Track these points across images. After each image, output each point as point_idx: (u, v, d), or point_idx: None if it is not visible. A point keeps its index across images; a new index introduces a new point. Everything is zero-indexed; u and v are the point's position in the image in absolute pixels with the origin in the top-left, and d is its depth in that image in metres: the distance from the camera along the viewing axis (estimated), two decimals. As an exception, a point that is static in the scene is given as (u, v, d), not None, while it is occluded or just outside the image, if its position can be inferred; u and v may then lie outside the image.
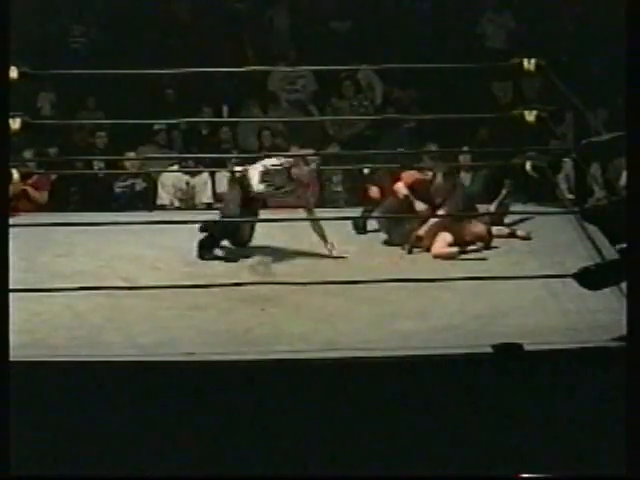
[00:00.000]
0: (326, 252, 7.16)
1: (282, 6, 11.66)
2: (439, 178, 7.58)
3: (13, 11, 4.65)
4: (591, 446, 4.79)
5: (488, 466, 4.78)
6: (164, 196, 10.04)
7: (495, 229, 7.45)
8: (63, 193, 9.84)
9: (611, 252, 6.03)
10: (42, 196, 9.56)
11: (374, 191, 7.91)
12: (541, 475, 4.77)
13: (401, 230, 7.42)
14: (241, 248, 7.27)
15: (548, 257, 6.59)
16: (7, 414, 4.08)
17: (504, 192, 7.81)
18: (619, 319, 4.82)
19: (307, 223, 7.27)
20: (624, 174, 8.33)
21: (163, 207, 9.94)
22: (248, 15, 11.63)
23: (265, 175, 7.22)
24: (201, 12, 11.62)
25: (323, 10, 11.70)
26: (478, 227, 7.36)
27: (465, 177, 9.33)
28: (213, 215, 8.26)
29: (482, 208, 7.75)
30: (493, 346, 4.94)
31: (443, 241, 7.24)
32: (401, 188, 7.52)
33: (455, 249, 7.18)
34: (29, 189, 9.31)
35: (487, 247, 7.31)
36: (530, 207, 8.06)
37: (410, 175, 7.57)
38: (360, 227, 7.82)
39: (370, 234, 7.79)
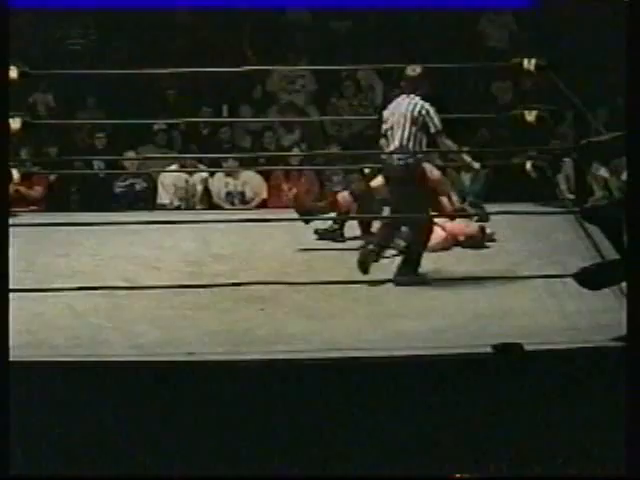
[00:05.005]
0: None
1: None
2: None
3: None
4: (591, 446, 4.79)
5: (488, 466, 4.78)
6: (164, 196, 10.01)
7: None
8: (63, 193, 9.83)
9: (611, 252, 6.03)
10: (37, 191, 9.55)
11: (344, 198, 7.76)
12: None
13: None
14: None
15: (548, 257, 6.59)
16: (7, 414, 4.08)
17: None
18: (619, 319, 4.82)
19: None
20: (624, 174, 8.33)
21: (163, 207, 9.91)
22: (248, 15, 11.61)
23: None
24: (200, 12, 11.59)
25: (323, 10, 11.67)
26: (470, 227, 7.32)
27: (465, 177, 9.32)
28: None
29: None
30: (493, 346, 4.94)
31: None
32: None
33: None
34: (22, 189, 9.29)
35: (480, 247, 7.26)
36: (530, 207, 8.06)
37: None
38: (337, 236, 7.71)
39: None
